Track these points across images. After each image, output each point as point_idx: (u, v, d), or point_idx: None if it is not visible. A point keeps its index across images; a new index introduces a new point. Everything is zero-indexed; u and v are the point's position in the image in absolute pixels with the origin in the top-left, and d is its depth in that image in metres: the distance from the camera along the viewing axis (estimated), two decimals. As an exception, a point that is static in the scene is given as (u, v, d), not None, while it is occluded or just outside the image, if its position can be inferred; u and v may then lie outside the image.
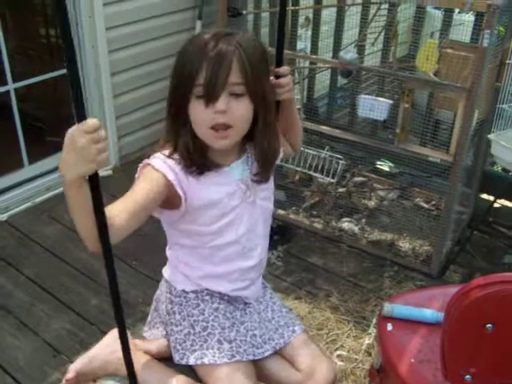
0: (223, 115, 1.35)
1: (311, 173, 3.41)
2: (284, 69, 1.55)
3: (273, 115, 1.50)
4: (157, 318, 1.73)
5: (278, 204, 3.49)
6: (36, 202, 3.49)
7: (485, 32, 2.50)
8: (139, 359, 1.61)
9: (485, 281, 1.18)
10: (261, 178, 1.54)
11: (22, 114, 3.47)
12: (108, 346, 1.66)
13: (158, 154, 1.43)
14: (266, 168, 1.54)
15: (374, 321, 2.66)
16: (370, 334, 2.61)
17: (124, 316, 1.36)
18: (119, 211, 1.27)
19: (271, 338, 1.65)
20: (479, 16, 2.82)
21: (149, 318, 1.77)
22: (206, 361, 1.53)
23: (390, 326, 1.61)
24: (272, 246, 3.16)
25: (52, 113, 4.08)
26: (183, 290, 1.61)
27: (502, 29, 2.79)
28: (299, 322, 1.76)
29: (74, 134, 1.10)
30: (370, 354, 2.50)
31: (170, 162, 1.42)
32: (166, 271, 1.68)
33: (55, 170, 3.62)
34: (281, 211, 3.42)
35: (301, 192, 3.58)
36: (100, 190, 1.17)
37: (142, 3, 3.67)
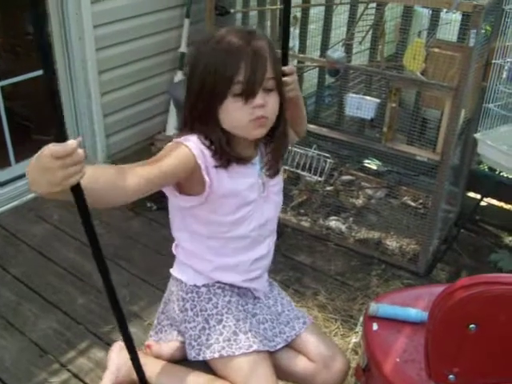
0: (262, 109, 1.42)
1: (299, 171, 3.42)
2: (289, 68, 1.61)
3: (286, 109, 1.57)
4: (164, 320, 1.73)
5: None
6: (23, 200, 3.47)
7: (471, 32, 2.51)
8: (152, 365, 1.62)
9: (469, 282, 1.19)
10: (273, 170, 1.60)
11: (9, 113, 3.45)
12: (120, 356, 1.69)
13: (190, 137, 1.45)
14: (278, 160, 1.60)
15: (361, 319, 2.67)
16: (357, 332, 2.62)
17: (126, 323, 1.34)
18: (143, 178, 1.28)
19: (282, 332, 1.68)
20: (466, 16, 2.83)
21: (155, 322, 1.77)
22: (224, 353, 1.54)
23: (375, 326, 1.61)
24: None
25: (39, 111, 4.05)
26: (195, 285, 1.62)
27: (488, 28, 2.81)
28: (308, 314, 1.81)
29: (43, 156, 1.03)
30: (356, 353, 2.51)
31: (203, 146, 1.44)
32: (175, 270, 1.69)
33: (42, 168, 3.61)
34: (269, 210, 3.42)
35: (288, 190, 3.58)
36: (85, 203, 1.12)
37: (129, 1, 3.65)
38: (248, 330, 1.58)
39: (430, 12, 3.36)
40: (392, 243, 3.22)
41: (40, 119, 3.99)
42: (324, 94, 4.04)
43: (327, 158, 3.32)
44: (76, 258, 2.96)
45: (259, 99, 1.41)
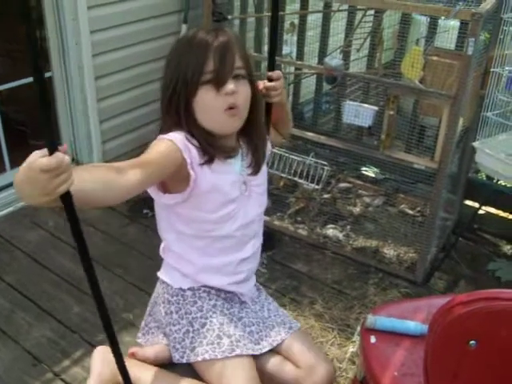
0: (232, 96, 1.46)
1: (296, 179, 3.40)
2: (276, 73, 1.64)
3: (260, 105, 1.61)
4: (151, 322, 1.74)
5: (262, 210, 3.47)
6: (18, 206, 3.44)
7: (469, 40, 2.50)
8: (136, 368, 1.62)
9: (468, 298, 1.17)
10: (254, 169, 1.62)
11: (4, 118, 3.43)
12: (104, 361, 1.69)
13: (174, 133, 1.47)
14: (258, 157, 1.62)
15: (358, 329, 2.65)
16: (354, 342, 2.60)
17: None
18: (133, 175, 1.28)
19: (268, 335, 1.68)
20: (464, 23, 2.82)
21: (142, 324, 1.78)
22: (207, 356, 1.55)
23: (373, 339, 1.59)
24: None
25: (35, 116, 4.03)
26: (180, 288, 1.64)
27: (487, 35, 2.80)
28: (295, 321, 1.80)
29: (31, 167, 1.01)
30: (353, 363, 2.49)
31: (187, 141, 1.47)
32: (162, 273, 1.71)
33: (38, 174, 3.59)
34: (265, 217, 3.39)
35: (285, 198, 3.57)
36: (75, 213, 1.12)
37: (127, 7, 3.64)
38: (232, 334, 1.59)
39: (428, 19, 3.35)
40: (389, 251, 3.20)
41: (36, 124, 3.96)
42: (321, 101, 4.02)
43: (324, 165, 3.30)
44: (71, 265, 2.93)
45: (230, 85, 1.45)
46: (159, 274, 1.72)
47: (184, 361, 1.59)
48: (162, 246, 1.71)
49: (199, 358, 1.56)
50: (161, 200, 1.55)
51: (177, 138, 1.46)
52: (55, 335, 2.57)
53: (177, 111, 1.50)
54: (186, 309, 1.62)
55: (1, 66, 4.23)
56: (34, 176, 1.02)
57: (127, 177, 1.27)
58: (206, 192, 1.52)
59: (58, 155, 1.02)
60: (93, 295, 1.23)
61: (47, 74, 3.50)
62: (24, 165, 1.04)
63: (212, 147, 1.50)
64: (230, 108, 1.47)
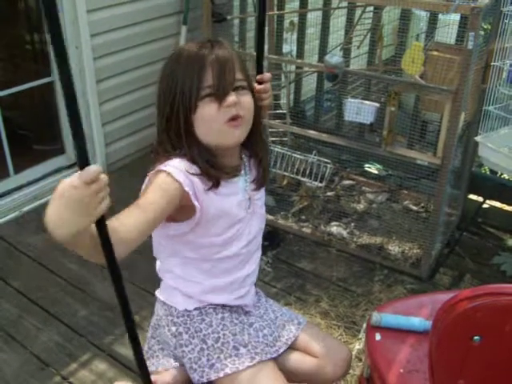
0: (235, 107, 1.40)
1: (299, 177, 3.40)
2: (267, 75, 1.62)
3: (261, 119, 1.58)
4: (155, 345, 1.70)
5: (266, 209, 3.45)
6: (23, 211, 3.46)
7: (469, 34, 2.50)
8: None
9: (472, 293, 1.17)
10: (259, 183, 1.59)
11: (7, 123, 3.44)
12: None
13: (173, 162, 1.40)
14: (263, 171, 1.59)
15: (364, 326, 2.65)
16: (361, 339, 2.60)
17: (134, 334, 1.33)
18: (130, 227, 1.24)
19: (281, 335, 1.68)
20: (464, 17, 2.82)
21: (145, 347, 1.73)
22: (228, 370, 1.52)
23: (378, 336, 1.59)
24: (261, 251, 3.15)
25: (38, 121, 4.05)
26: (185, 310, 1.59)
27: (487, 27, 2.79)
28: (300, 315, 1.82)
29: (73, 186, 1.00)
30: (360, 360, 2.49)
31: (188, 170, 1.41)
32: (162, 294, 1.65)
33: (42, 178, 3.60)
34: (269, 216, 3.40)
35: (289, 197, 3.57)
36: (108, 235, 1.12)
37: (126, 9, 3.65)
38: (248, 342, 1.58)
39: (428, 14, 3.34)
40: (394, 248, 3.20)
41: (39, 129, 3.98)
42: (323, 98, 4.02)
43: (327, 163, 3.30)
44: (77, 269, 2.94)
45: (232, 97, 1.40)
46: (158, 294, 1.66)
47: (205, 380, 1.54)
48: (159, 266, 1.65)
49: (221, 374, 1.52)
50: (168, 232, 1.49)
51: (175, 170, 1.38)
52: (63, 339, 2.57)
53: (176, 131, 1.43)
54: (194, 327, 1.58)
55: (2, 72, 4.25)
56: (73, 194, 1.01)
57: (127, 228, 1.22)
58: (213, 218, 1.48)
59: (95, 167, 1.01)
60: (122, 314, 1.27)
61: (48, 79, 3.51)
62: (55, 193, 1.02)
63: (215, 169, 1.44)
64: (233, 119, 1.41)
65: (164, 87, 1.46)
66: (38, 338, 2.57)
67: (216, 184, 1.44)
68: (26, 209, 3.47)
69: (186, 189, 1.37)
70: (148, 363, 1.66)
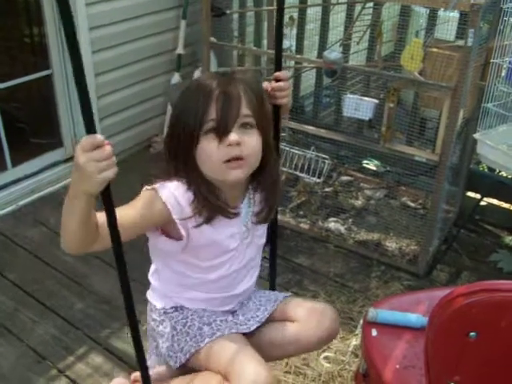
0: (237, 147, 1.37)
1: (297, 173, 3.40)
2: (284, 73, 1.58)
3: (274, 153, 1.52)
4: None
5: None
6: (20, 204, 3.45)
7: (469, 31, 2.49)
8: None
9: (468, 289, 1.17)
10: (264, 218, 1.55)
11: (5, 116, 3.43)
12: None
13: (171, 184, 1.40)
14: (270, 206, 1.55)
15: (361, 322, 2.65)
16: (357, 335, 2.60)
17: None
18: (107, 234, 1.26)
19: (254, 316, 1.63)
20: (464, 14, 2.81)
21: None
22: (193, 350, 1.52)
23: (374, 332, 1.59)
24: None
25: (35, 114, 4.04)
26: (163, 307, 1.62)
27: (486, 25, 2.79)
28: (284, 293, 1.75)
29: (76, 155, 1.11)
30: (356, 356, 2.49)
31: (181, 198, 1.40)
32: (150, 295, 1.68)
33: (39, 171, 3.60)
34: (267, 211, 3.40)
35: (287, 192, 3.57)
36: (113, 204, 1.20)
37: (125, 3, 3.63)
38: (212, 321, 1.55)
39: (428, 11, 3.34)
40: (391, 244, 3.20)
41: (36, 122, 3.97)
42: (322, 94, 4.02)
43: (325, 159, 3.29)
44: (73, 262, 2.94)
45: (234, 136, 1.36)
46: (148, 295, 1.69)
47: (178, 364, 1.55)
48: (152, 269, 1.67)
49: (188, 356, 1.52)
50: (157, 244, 1.50)
51: (168, 192, 1.38)
52: (59, 332, 2.57)
53: (178, 161, 1.43)
54: (168, 317, 1.60)
55: (1, 64, 4.24)
56: (78, 160, 1.10)
57: (107, 232, 1.25)
58: (201, 246, 1.47)
59: (97, 136, 1.10)
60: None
61: (46, 72, 3.51)
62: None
63: (212, 204, 1.41)
64: (234, 159, 1.38)
65: (173, 116, 1.46)
66: (35, 331, 2.57)
67: (207, 220, 1.42)
68: (22, 202, 3.46)
69: (174, 217, 1.39)
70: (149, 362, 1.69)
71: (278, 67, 1.59)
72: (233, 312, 1.67)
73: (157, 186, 1.39)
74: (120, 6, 3.61)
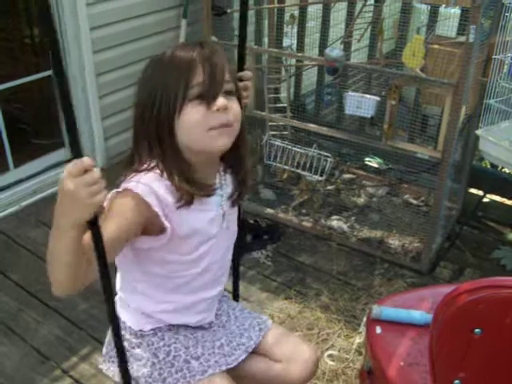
0: (225, 113, 1.31)
1: (299, 171, 3.40)
2: (247, 73, 1.53)
3: (244, 130, 1.45)
4: (111, 351, 1.62)
5: (266, 203, 3.48)
6: (22, 205, 3.45)
7: (471, 27, 2.49)
8: None
9: (472, 286, 1.17)
10: (237, 200, 1.52)
11: (7, 117, 3.43)
12: None
13: (143, 179, 1.31)
14: (243, 188, 1.52)
15: (365, 319, 2.65)
16: (361, 332, 2.60)
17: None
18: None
19: (240, 343, 1.61)
20: (465, 10, 2.81)
21: (104, 351, 1.67)
22: None
23: (378, 329, 1.59)
24: (261, 245, 3.15)
25: (37, 115, 4.04)
26: (141, 330, 1.55)
27: (488, 21, 2.78)
28: (266, 317, 1.74)
29: (63, 178, 1.04)
30: (360, 354, 2.49)
31: (158, 189, 1.31)
32: (122, 312, 1.58)
33: (41, 172, 3.60)
34: (269, 210, 3.40)
35: (289, 190, 3.57)
36: (101, 236, 1.12)
37: (126, 2, 3.63)
38: (201, 355, 1.52)
39: (429, 8, 3.33)
40: (394, 242, 3.19)
41: (38, 123, 3.97)
42: (323, 92, 4.01)
43: (328, 157, 3.29)
44: (76, 262, 2.94)
45: (222, 100, 1.30)
46: (119, 312, 1.56)
47: None
48: (120, 281, 1.57)
49: None
50: (134, 244, 1.38)
51: (143, 187, 1.29)
52: (63, 332, 2.57)
53: (155, 138, 1.34)
54: (146, 341, 1.53)
55: (1, 66, 4.24)
56: (67, 186, 1.04)
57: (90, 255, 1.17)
58: (185, 237, 1.40)
59: (85, 159, 1.03)
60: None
61: (48, 73, 3.50)
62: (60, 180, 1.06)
63: (190, 185, 1.33)
64: (222, 126, 1.31)
65: (143, 91, 1.37)
66: (38, 332, 2.57)
67: (189, 202, 1.35)
68: (25, 203, 3.47)
69: (156, 209, 1.30)
70: (105, 366, 1.66)
71: (241, 66, 1.55)
72: (216, 339, 1.61)
73: (129, 186, 1.30)
74: (121, 6, 3.60)
